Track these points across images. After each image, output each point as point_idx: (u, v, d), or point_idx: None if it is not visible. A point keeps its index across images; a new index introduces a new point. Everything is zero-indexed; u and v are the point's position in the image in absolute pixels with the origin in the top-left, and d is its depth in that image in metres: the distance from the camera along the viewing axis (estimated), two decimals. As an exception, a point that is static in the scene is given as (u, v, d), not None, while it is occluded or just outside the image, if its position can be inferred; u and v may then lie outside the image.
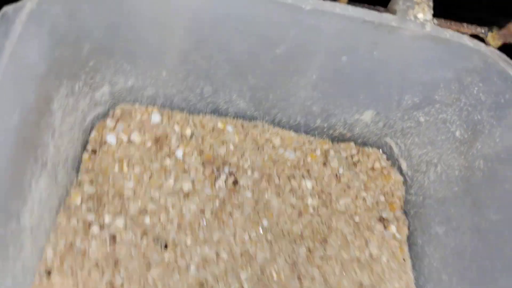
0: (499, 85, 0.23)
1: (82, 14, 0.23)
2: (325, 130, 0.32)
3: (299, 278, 0.29)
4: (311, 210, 0.31)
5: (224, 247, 0.29)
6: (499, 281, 0.22)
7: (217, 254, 0.29)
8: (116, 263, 0.28)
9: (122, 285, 0.27)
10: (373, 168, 0.33)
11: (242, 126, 0.33)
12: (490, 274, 0.23)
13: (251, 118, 0.32)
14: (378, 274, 0.30)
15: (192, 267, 0.29)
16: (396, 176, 0.32)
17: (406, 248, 0.31)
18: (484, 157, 0.25)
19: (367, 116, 0.30)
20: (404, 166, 0.32)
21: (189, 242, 0.29)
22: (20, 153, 0.22)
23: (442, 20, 0.23)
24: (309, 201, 0.32)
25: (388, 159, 0.33)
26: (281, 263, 0.30)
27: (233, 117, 0.32)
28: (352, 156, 0.33)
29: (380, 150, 0.33)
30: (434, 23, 0.23)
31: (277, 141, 0.33)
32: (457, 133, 0.27)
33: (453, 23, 0.23)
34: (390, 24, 0.22)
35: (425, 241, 0.29)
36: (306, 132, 0.33)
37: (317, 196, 0.32)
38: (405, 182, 0.32)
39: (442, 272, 0.27)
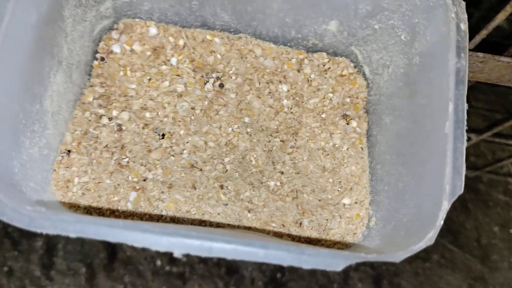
0: (428, -10, 0.27)
1: None
2: (299, 41, 0.37)
3: (273, 163, 0.35)
4: (285, 109, 0.37)
5: (211, 137, 0.36)
6: (421, 153, 0.28)
7: (205, 143, 0.35)
8: (122, 147, 0.34)
9: (128, 163, 0.34)
10: (341, 75, 0.38)
11: (228, 38, 0.38)
12: (419, 149, 0.29)
13: (236, 31, 0.37)
14: (339, 160, 0.36)
15: (185, 152, 0.35)
16: (360, 81, 0.37)
17: (364, 140, 0.36)
18: (419, 54, 0.30)
19: (333, 26, 0.35)
20: (367, 71, 0.37)
21: (182, 132, 0.35)
22: (39, 47, 0.28)
23: None
24: (284, 102, 0.37)
25: (355, 66, 0.38)
26: (259, 151, 0.36)
27: (220, 30, 0.38)
28: (324, 64, 0.38)
29: (348, 59, 0.38)
30: None
31: (258, 51, 0.38)
32: (402, 36, 0.31)
33: None
34: None
35: (378, 131, 0.35)
36: (284, 44, 0.38)
37: (291, 98, 0.37)
38: (368, 85, 0.37)
39: (387, 153, 0.33)
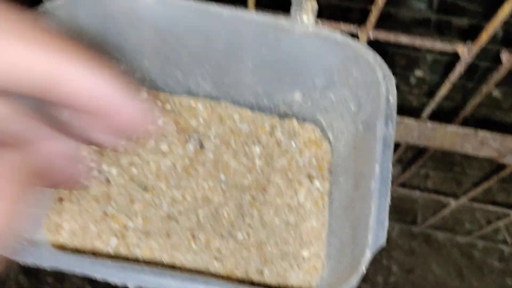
0: (364, 68, 0.32)
1: (80, 14, 0.34)
2: (272, 108, 0.42)
3: (242, 216, 0.39)
4: (257, 168, 0.41)
5: (189, 191, 0.40)
6: (357, 208, 0.32)
7: (183, 196, 0.40)
8: (109, 198, 0.39)
9: (113, 214, 0.39)
10: (309, 139, 0.42)
11: (210, 104, 0.43)
12: (356, 205, 0.32)
13: (216, 98, 0.43)
14: (302, 215, 0.39)
15: (164, 204, 0.39)
16: (326, 145, 0.42)
17: (326, 198, 0.40)
18: (362, 122, 0.34)
19: (298, 96, 0.40)
20: (331, 136, 0.41)
21: (163, 187, 0.40)
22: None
23: (327, 21, 0.33)
24: (257, 161, 0.42)
25: (321, 131, 0.42)
26: (231, 206, 0.40)
27: (203, 97, 0.43)
28: (293, 129, 0.43)
29: (315, 125, 0.42)
30: (316, 24, 0.32)
31: (236, 116, 0.43)
32: (352, 107, 0.36)
33: (333, 23, 0.33)
34: (283, 26, 0.32)
35: (335, 189, 0.38)
36: (259, 110, 0.43)
37: (263, 158, 0.42)
38: (332, 149, 0.41)
39: (339, 209, 0.36)
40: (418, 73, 0.86)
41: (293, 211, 0.39)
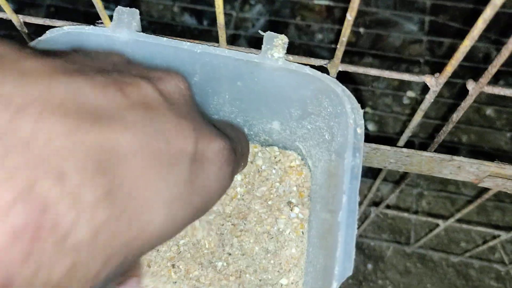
0: (334, 100, 0.33)
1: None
2: (253, 136, 0.43)
3: (222, 245, 0.40)
4: (238, 195, 0.42)
5: (170, 220, 0.41)
6: (329, 238, 0.32)
7: (165, 225, 0.40)
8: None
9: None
10: (290, 166, 0.43)
11: (192, 134, 0.44)
12: (328, 235, 0.33)
13: (198, 128, 0.44)
14: (281, 243, 0.40)
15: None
16: (306, 172, 0.42)
17: (306, 225, 0.40)
18: (334, 152, 0.35)
19: (276, 125, 0.41)
20: (310, 163, 0.42)
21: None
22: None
23: (296, 57, 0.34)
24: (238, 189, 0.42)
25: (302, 159, 0.43)
26: (212, 235, 0.40)
27: (185, 128, 0.44)
28: (275, 157, 0.43)
29: (296, 152, 0.43)
30: (286, 59, 0.33)
31: (218, 145, 0.44)
32: (326, 136, 0.37)
33: (304, 58, 0.34)
34: (254, 60, 0.33)
35: (313, 217, 0.39)
36: (240, 139, 0.44)
37: (244, 186, 0.42)
38: (311, 176, 0.42)
39: (315, 237, 0.37)
40: (410, 93, 0.87)
41: (273, 239, 0.40)
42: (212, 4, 1.01)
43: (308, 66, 0.33)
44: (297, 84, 0.35)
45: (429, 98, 0.35)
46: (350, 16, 0.28)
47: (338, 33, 0.87)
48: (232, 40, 0.92)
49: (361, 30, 0.93)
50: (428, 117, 0.87)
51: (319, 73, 0.33)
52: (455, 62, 0.31)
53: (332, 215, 0.33)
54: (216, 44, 0.34)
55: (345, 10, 0.96)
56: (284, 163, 0.43)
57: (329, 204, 0.34)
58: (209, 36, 0.97)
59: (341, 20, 0.91)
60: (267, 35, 0.33)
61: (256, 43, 0.33)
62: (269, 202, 0.41)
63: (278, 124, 0.40)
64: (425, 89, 0.88)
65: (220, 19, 0.31)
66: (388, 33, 0.90)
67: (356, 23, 0.93)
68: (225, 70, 0.35)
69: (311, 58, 0.34)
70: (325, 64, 0.34)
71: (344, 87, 0.32)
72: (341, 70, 0.34)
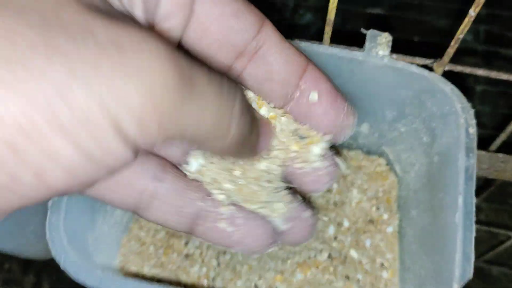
0: (441, 100, 0.32)
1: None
2: (336, 140, 0.42)
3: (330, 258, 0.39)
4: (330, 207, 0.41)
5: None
6: (438, 242, 0.31)
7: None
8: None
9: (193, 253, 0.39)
10: (375, 172, 0.42)
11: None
12: (437, 239, 0.32)
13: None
14: (371, 251, 0.39)
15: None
16: (392, 178, 0.41)
17: (396, 232, 0.39)
18: (437, 153, 0.34)
19: (365, 128, 0.40)
20: (397, 169, 0.41)
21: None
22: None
23: (401, 55, 0.33)
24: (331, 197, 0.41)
25: (387, 164, 0.42)
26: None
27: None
28: (359, 162, 0.43)
29: (381, 157, 0.42)
30: (391, 57, 0.32)
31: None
32: (424, 139, 0.36)
33: (408, 57, 0.33)
34: (358, 58, 0.32)
35: (406, 224, 0.38)
36: (323, 142, 0.43)
37: (328, 192, 0.42)
38: (398, 181, 0.41)
39: (413, 243, 0.35)
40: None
41: (361, 247, 0.39)
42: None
43: (414, 65, 0.32)
44: (398, 84, 0.34)
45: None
46: (473, 12, 0.27)
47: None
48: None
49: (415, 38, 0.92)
50: None
51: (426, 71, 0.32)
52: None
53: (440, 218, 0.32)
54: (317, 42, 0.33)
55: (397, 18, 0.95)
56: (368, 168, 0.42)
57: (435, 208, 0.33)
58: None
59: (392, 29, 0.91)
60: (370, 33, 0.33)
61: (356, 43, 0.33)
62: (355, 209, 0.40)
63: (368, 126, 0.40)
64: (484, 98, 0.86)
65: (331, 14, 0.31)
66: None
67: (410, 32, 0.92)
68: (324, 68, 0.34)
69: (415, 57, 0.33)
70: (430, 64, 0.33)
71: (453, 86, 0.31)
72: (446, 69, 0.33)
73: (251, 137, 0.18)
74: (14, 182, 0.12)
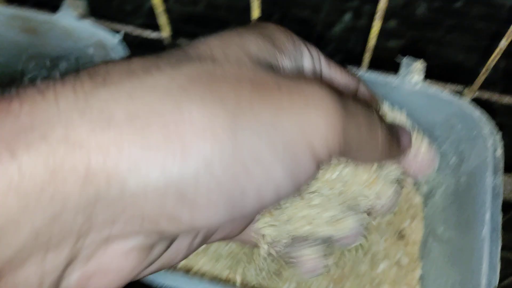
0: (470, 124, 0.35)
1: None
2: (367, 160, 0.45)
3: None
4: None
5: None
6: (465, 255, 0.33)
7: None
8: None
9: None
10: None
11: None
12: (463, 252, 0.34)
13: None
14: (397, 263, 0.41)
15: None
16: (418, 199, 0.44)
17: (417, 246, 0.41)
18: (465, 174, 0.36)
19: (395, 150, 0.42)
20: (424, 189, 0.43)
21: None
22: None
23: (433, 81, 0.36)
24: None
25: (414, 184, 0.44)
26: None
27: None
28: (387, 181, 0.45)
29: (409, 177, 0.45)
30: (424, 83, 0.35)
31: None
32: (451, 161, 0.38)
33: (440, 83, 0.36)
34: (392, 83, 0.35)
35: (432, 240, 0.40)
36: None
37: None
38: (424, 201, 0.43)
39: (439, 258, 0.38)
40: None
41: (384, 263, 0.41)
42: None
43: (445, 91, 0.35)
44: (429, 108, 0.36)
45: (560, 127, 0.36)
46: (505, 41, 0.30)
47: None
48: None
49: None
50: None
51: (456, 97, 0.35)
52: None
53: (468, 233, 0.34)
54: (356, 67, 0.36)
55: (416, 51, 0.98)
56: (396, 188, 0.44)
57: (461, 225, 0.35)
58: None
59: (425, 54, 0.93)
60: (406, 60, 0.36)
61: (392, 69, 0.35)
62: (380, 229, 0.43)
63: (397, 148, 0.42)
64: None
65: (371, 42, 0.34)
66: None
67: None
68: (362, 91, 0.37)
69: (447, 83, 0.36)
70: (461, 90, 0.36)
71: (481, 111, 0.34)
72: (475, 96, 0.36)
73: (393, 138, 0.21)
74: (243, 197, 0.15)
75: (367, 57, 0.35)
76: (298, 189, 0.17)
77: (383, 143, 0.19)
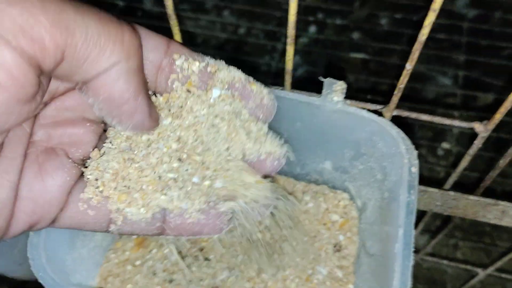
0: (389, 142, 0.36)
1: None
2: (304, 176, 0.46)
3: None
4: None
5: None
6: (384, 270, 0.34)
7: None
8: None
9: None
10: (338, 205, 0.45)
11: (247, 171, 0.47)
12: (383, 268, 0.35)
13: (253, 166, 0.47)
14: (327, 281, 0.42)
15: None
16: (354, 211, 0.45)
17: (352, 263, 0.42)
18: (387, 190, 0.37)
19: (328, 165, 0.43)
20: (359, 203, 0.44)
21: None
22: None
23: (354, 101, 0.37)
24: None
25: (350, 199, 0.45)
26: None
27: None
28: (324, 195, 0.46)
29: (345, 192, 0.46)
30: (345, 103, 0.36)
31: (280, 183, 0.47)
32: (378, 176, 0.39)
33: (361, 103, 0.37)
34: (315, 103, 0.36)
35: (363, 253, 0.41)
36: (295, 178, 0.46)
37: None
38: (360, 215, 0.44)
39: (367, 272, 0.39)
40: (445, 145, 0.89)
41: (318, 278, 0.42)
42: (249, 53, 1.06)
43: (365, 110, 0.36)
44: (353, 126, 0.38)
45: (477, 143, 0.37)
46: (409, 66, 0.31)
47: (373, 84, 0.91)
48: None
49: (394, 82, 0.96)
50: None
51: (375, 116, 0.36)
52: (504, 110, 0.33)
53: (387, 248, 0.35)
54: (280, 88, 0.37)
55: (379, 63, 1.00)
56: (332, 202, 0.46)
57: (383, 239, 0.36)
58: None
59: (376, 72, 0.95)
60: (327, 81, 0.37)
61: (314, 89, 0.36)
62: (316, 242, 0.43)
63: (330, 164, 0.43)
64: (460, 140, 0.90)
65: (289, 65, 0.35)
66: (422, 86, 0.93)
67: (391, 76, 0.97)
68: (286, 111, 0.38)
69: (367, 103, 0.37)
70: (380, 109, 0.37)
71: (399, 129, 0.35)
72: (394, 114, 0.37)
73: None
74: None
75: (288, 78, 0.36)
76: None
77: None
